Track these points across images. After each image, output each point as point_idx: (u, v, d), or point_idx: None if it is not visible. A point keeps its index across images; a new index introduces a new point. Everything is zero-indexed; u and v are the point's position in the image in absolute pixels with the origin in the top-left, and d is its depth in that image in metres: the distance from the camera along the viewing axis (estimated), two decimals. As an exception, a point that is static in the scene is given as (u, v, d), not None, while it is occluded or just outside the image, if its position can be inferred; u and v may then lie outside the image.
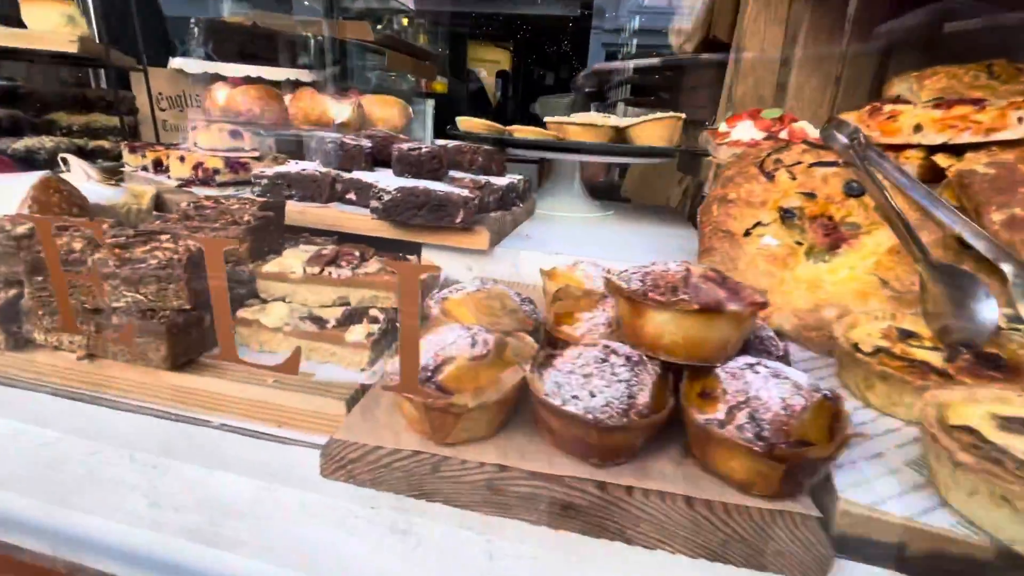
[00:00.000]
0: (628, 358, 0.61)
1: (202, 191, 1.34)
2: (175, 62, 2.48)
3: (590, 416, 0.55)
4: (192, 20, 2.44)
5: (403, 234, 1.22)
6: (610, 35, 9.51)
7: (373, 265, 0.86)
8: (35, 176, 0.94)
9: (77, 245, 0.72)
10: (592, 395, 0.56)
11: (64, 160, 1.20)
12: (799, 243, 1.00)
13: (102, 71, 2.55)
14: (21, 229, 0.78)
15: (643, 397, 0.57)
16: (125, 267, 0.71)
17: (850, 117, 1.22)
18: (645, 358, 0.62)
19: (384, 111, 1.93)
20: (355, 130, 1.85)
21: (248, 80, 2.24)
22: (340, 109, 1.74)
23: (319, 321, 0.79)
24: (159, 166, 1.54)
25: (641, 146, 1.45)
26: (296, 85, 2.41)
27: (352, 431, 0.63)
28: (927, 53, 1.75)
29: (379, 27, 4.44)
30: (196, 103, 2.67)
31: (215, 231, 0.94)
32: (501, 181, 1.39)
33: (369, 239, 1.25)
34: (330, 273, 0.83)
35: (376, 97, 1.94)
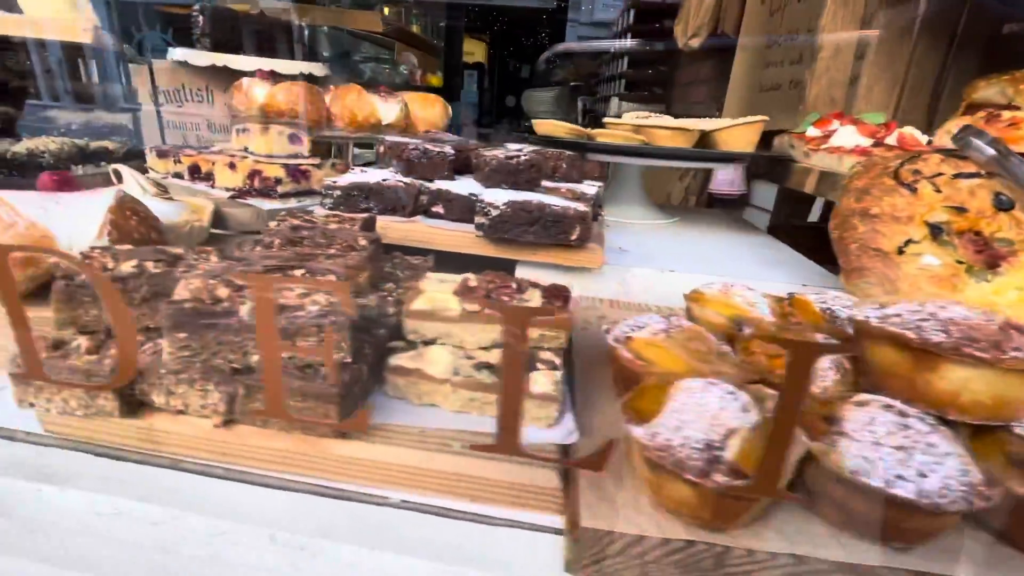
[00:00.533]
0: (923, 420, 0.52)
1: (264, 204, 1.19)
2: (176, 53, 2.27)
3: (926, 501, 0.46)
4: (196, 7, 2.23)
5: (502, 251, 1.10)
6: (587, 28, 9.47)
7: (532, 297, 0.75)
8: (109, 195, 0.79)
9: (222, 292, 0.58)
10: (923, 475, 0.47)
11: (116, 173, 1.03)
12: (959, 262, 0.94)
13: (93, 63, 2.32)
14: (126, 267, 0.64)
15: (975, 473, 0.48)
16: (282, 316, 0.58)
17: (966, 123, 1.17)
18: (935, 419, 0.53)
19: (426, 111, 1.79)
20: (401, 131, 1.71)
21: (260, 74, 2.07)
22: (388, 109, 1.60)
23: (495, 369, 0.67)
24: (196, 172, 1.37)
25: (732, 151, 1.37)
26: (309, 79, 2.24)
27: (598, 516, 0.52)
28: (986, 55, 1.73)
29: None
30: (197, 98, 2.45)
31: (331, 258, 0.81)
32: (589, 189, 1.29)
33: (461, 256, 1.13)
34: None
35: (417, 95, 1.80)
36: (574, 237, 1.04)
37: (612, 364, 0.76)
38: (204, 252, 0.74)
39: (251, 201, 1.19)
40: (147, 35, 2.73)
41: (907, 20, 1.62)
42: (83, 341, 0.62)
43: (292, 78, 2.10)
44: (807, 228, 1.67)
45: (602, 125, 1.52)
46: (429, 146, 1.18)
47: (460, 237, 1.11)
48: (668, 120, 1.37)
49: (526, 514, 0.60)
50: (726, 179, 3.47)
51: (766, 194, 3.16)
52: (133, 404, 0.63)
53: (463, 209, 1.14)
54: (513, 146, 1.43)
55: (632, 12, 5.21)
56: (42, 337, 0.62)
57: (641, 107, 5.18)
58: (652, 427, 0.53)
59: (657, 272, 1.14)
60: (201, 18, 2.20)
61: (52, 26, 1.41)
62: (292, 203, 1.22)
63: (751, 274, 1.17)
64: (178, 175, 1.39)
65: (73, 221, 0.74)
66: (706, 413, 0.52)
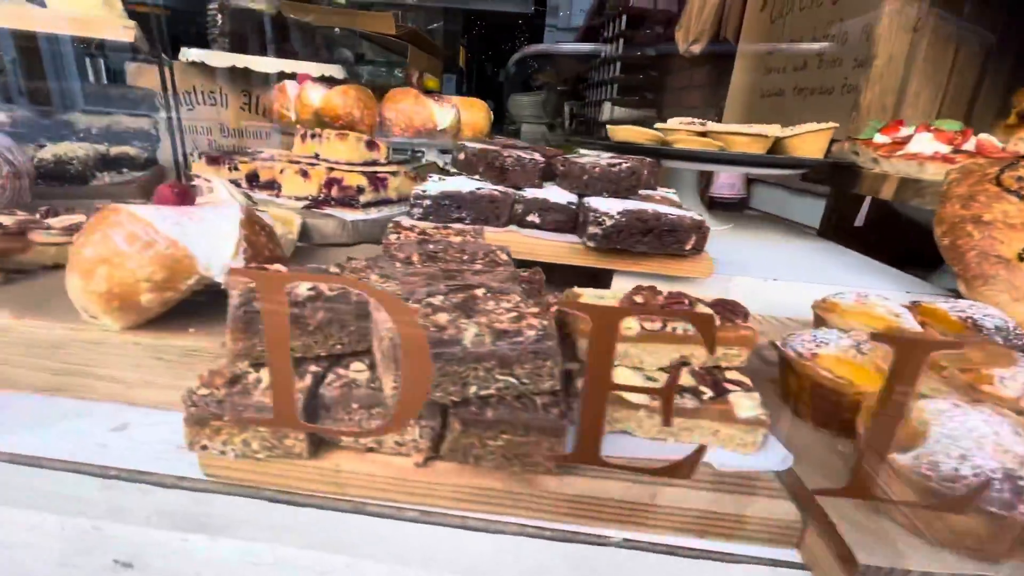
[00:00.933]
0: None
1: (346, 215, 1.12)
2: (191, 53, 2.16)
3: None
4: (214, 5, 2.12)
5: (608, 262, 1.06)
6: (564, 33, 9.56)
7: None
8: (236, 208, 0.72)
9: (442, 318, 0.52)
10: None
11: (208, 181, 0.95)
12: (1080, 269, 0.95)
13: (101, 62, 2.18)
14: (303, 291, 0.58)
15: None
16: (502, 342, 0.53)
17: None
18: None
19: (472, 115, 1.74)
20: (452, 137, 1.65)
21: (283, 76, 2.00)
22: (443, 114, 1.54)
23: (695, 393, 0.63)
24: (254, 180, 1.28)
25: (806, 157, 1.37)
26: (330, 82, 2.16)
27: (872, 551, 0.49)
28: (1020, 65, 1.79)
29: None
30: (210, 101, 2.33)
31: (478, 274, 0.76)
32: (674, 196, 1.26)
33: (558, 267, 1.09)
34: (673, 329, 0.67)
35: (463, 100, 1.74)
36: (689, 246, 1.01)
37: (789, 380, 0.73)
38: (356, 270, 0.68)
39: (332, 211, 1.12)
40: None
41: (951, 30, 1.65)
42: (264, 375, 0.55)
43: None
44: (857, 232, 1.68)
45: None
46: (522, 153, 1.13)
47: (561, 247, 1.07)
48: (740, 126, 1.36)
49: (759, 548, 0.56)
50: (727, 182, 3.51)
51: (768, 198, 3.22)
52: (316, 441, 0.57)
53: (558, 218, 1.10)
54: (590, 152, 1.40)
55: (624, 17, 5.24)
56: (218, 372, 0.55)
57: (633, 112, 5.22)
58: (925, 455, 0.50)
59: (760, 281, 1.12)
60: (219, 17, 2.09)
61: (90, 24, 1.30)
62: (373, 213, 1.16)
63: (845, 281, 1.16)
64: (234, 183, 1.30)
65: (208, 238, 0.67)
66: (983, 439, 0.49)
